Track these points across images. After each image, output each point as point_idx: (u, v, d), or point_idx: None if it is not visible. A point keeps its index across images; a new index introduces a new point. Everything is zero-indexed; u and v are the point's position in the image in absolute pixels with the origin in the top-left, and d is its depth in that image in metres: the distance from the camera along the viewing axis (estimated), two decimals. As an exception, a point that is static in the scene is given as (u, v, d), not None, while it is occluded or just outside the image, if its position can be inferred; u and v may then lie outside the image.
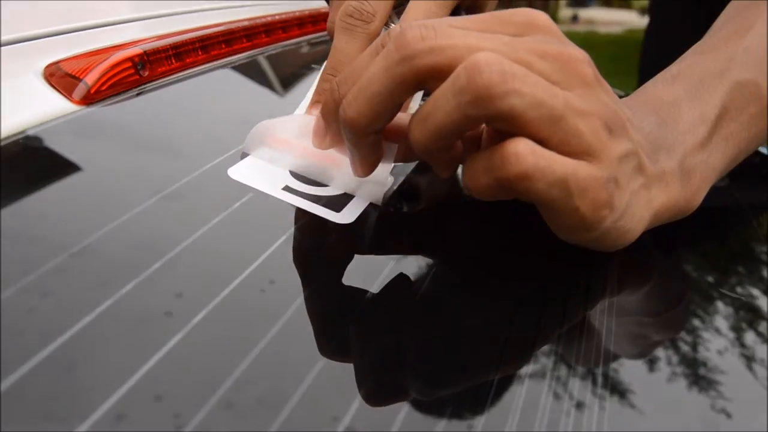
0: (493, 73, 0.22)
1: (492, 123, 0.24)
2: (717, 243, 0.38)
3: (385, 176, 0.30)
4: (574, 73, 0.25)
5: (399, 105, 0.26)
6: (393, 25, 0.34)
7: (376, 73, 0.25)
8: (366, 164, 0.29)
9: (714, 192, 0.33)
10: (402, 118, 0.28)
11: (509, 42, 0.25)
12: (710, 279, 0.33)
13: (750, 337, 0.28)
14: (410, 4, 0.34)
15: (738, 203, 0.42)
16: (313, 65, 0.52)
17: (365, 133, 0.27)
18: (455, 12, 0.37)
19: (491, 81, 0.22)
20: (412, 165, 0.36)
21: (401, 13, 0.35)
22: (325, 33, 0.61)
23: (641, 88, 0.34)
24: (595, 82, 0.25)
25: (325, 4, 0.71)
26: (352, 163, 0.29)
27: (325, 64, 0.34)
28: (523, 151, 0.23)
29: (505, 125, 0.24)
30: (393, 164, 0.31)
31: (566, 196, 0.24)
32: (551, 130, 0.24)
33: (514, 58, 0.24)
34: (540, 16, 0.26)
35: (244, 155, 0.33)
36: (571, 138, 0.24)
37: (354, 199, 0.31)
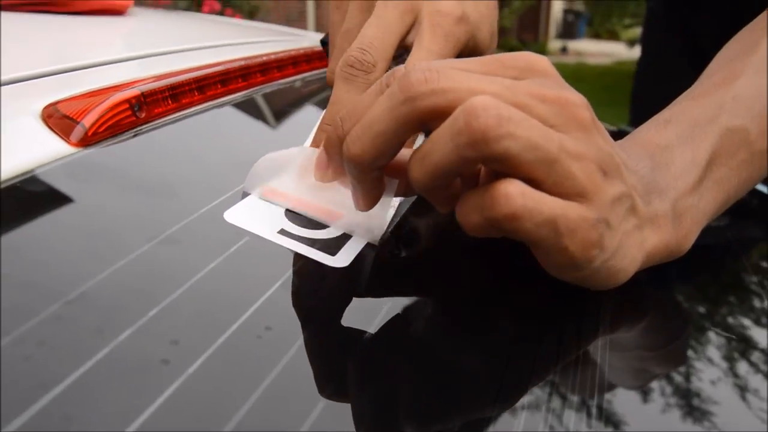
0: (489, 117, 0.23)
1: (488, 164, 0.25)
2: (707, 278, 0.38)
3: (386, 210, 0.31)
4: (571, 117, 0.26)
5: (402, 143, 0.27)
6: None
7: (381, 112, 0.26)
8: (368, 198, 0.29)
9: (706, 229, 0.33)
10: (403, 154, 0.29)
11: (510, 85, 0.25)
12: (704, 314, 0.33)
13: (747, 370, 0.28)
14: (413, 53, 0.35)
15: (728, 239, 0.42)
16: (306, 104, 0.53)
17: (369, 169, 0.27)
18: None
19: (487, 124, 0.23)
20: (405, 207, 0.36)
21: (401, 63, 0.36)
22: (321, 71, 0.62)
23: (635, 131, 0.35)
24: (592, 126, 0.26)
25: (317, 42, 0.72)
26: (354, 197, 0.30)
27: (323, 113, 0.34)
28: (512, 193, 0.24)
29: (501, 167, 0.24)
30: (393, 198, 0.31)
31: (555, 235, 0.25)
32: (546, 172, 0.24)
33: (514, 102, 0.25)
34: (540, 61, 0.27)
35: (245, 194, 0.34)
36: (564, 180, 0.25)
37: (349, 242, 0.32)
